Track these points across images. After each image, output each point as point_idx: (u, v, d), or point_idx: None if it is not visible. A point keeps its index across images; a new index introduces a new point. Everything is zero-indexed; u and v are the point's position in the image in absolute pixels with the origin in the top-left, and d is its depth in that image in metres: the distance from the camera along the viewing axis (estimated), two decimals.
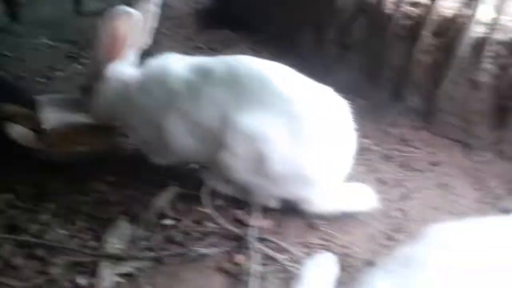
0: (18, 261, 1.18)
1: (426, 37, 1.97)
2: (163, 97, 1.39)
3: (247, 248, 1.28)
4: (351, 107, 2.11)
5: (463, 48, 1.88)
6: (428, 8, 1.92)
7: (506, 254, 0.82)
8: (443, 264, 0.79)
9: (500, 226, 0.91)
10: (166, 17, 2.76)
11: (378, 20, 2.09)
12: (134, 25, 1.43)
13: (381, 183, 1.73)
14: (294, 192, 1.36)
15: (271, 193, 1.39)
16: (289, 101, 1.28)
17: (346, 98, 2.18)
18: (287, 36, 2.28)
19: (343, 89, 2.20)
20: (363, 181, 1.56)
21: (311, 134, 1.28)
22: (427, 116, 2.11)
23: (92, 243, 1.27)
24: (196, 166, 1.58)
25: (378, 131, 2.08)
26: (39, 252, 1.21)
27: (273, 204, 1.43)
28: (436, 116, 2.09)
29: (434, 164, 1.92)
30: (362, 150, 1.93)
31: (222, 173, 1.39)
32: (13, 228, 1.28)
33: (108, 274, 1.19)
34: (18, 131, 1.52)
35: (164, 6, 1.67)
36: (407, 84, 2.12)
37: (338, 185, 1.43)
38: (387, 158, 1.93)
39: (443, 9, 1.95)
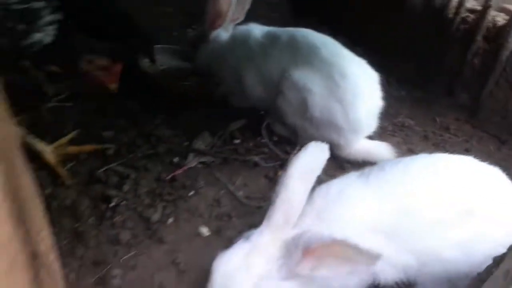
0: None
1: (479, 41, 2.28)
2: (244, 55, 1.95)
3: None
4: (408, 97, 2.50)
5: (508, 54, 2.16)
6: (482, 15, 2.22)
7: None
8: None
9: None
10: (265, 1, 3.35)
11: (441, 23, 2.43)
12: (233, 4, 1.99)
13: (410, 153, 2.10)
14: (328, 137, 1.80)
15: (312, 136, 1.86)
16: (331, 65, 1.74)
17: (404, 88, 2.57)
18: (360, 29, 2.68)
19: (402, 80, 2.59)
20: (395, 148, 1.93)
21: (344, 92, 1.73)
22: (472, 112, 2.40)
23: (186, 143, 1.91)
24: (262, 112, 2.12)
25: (425, 117, 2.40)
26: (153, 139, 1.89)
27: None
28: (480, 112, 2.37)
29: (466, 150, 2.22)
30: (403, 127, 2.34)
31: (278, 116, 1.92)
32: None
33: (193, 161, 1.81)
34: (147, 66, 2.20)
35: None
36: (458, 82, 2.44)
37: (363, 138, 1.87)
38: (425, 138, 2.27)
39: (496, 17, 2.23)
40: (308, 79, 1.76)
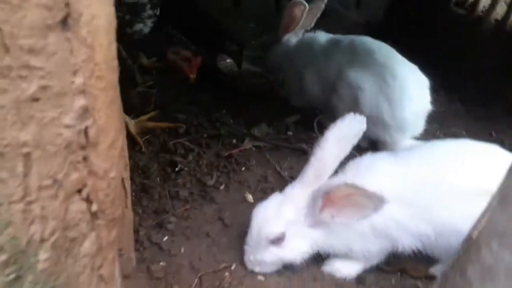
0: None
1: None
2: (307, 57, 2.18)
3: None
4: (467, 113, 2.53)
5: None
6: None
7: None
8: None
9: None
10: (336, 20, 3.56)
11: (495, 30, 2.46)
12: (304, 13, 2.25)
13: None
14: (375, 133, 1.95)
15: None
16: (383, 66, 1.89)
17: (465, 105, 2.61)
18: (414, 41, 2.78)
19: (465, 98, 2.62)
20: None
21: (393, 91, 1.87)
22: None
23: (247, 131, 2.16)
24: (318, 110, 2.31)
25: (481, 131, 2.42)
26: (217, 124, 2.17)
27: (363, 143, 2.06)
28: None
29: None
30: (454, 136, 2.36)
31: (331, 113, 2.10)
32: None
33: (248, 144, 2.06)
34: (223, 65, 2.54)
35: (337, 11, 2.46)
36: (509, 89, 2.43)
37: (409, 139, 1.97)
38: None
39: None
40: (361, 78, 1.93)
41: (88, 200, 0.62)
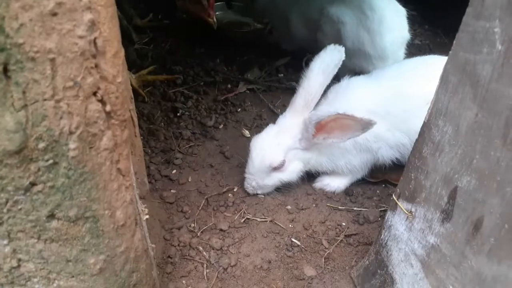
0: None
1: None
2: (290, 1, 2.28)
3: None
4: (445, 37, 2.61)
5: None
6: None
7: None
8: None
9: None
10: None
11: None
12: None
13: None
14: (359, 65, 2.08)
15: (345, 65, 2.10)
16: (361, 1, 2.00)
17: (437, 29, 2.69)
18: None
19: (436, 21, 2.70)
20: None
21: (371, 22, 1.98)
22: None
23: (240, 76, 2.30)
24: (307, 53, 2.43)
25: None
26: (212, 73, 2.31)
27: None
28: None
29: None
30: None
31: (319, 50, 2.21)
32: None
33: (242, 87, 2.20)
34: None
35: None
36: None
37: None
38: None
39: None
40: (341, 13, 2.04)
41: (103, 102, 0.78)
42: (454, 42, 0.86)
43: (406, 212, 1.03)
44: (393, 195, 1.08)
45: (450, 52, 0.87)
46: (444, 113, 0.91)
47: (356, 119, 1.31)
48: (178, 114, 2.03)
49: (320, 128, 1.41)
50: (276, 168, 1.50)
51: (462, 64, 0.83)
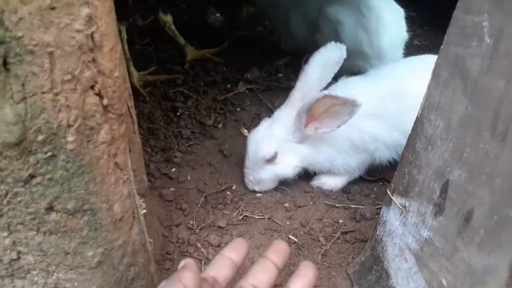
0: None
1: None
2: (291, 0, 2.30)
3: None
4: None
5: None
6: None
7: None
8: None
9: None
10: None
11: None
12: None
13: None
14: (357, 65, 2.09)
15: (344, 65, 2.13)
16: (359, 1, 2.02)
17: (437, 30, 2.70)
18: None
19: (436, 22, 2.71)
20: None
21: (368, 21, 1.99)
22: None
23: (240, 76, 2.32)
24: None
25: None
26: (212, 72, 2.33)
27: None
28: None
29: None
30: None
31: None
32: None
33: (242, 87, 2.22)
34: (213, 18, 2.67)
35: None
36: None
37: None
38: None
39: None
40: (339, 13, 2.06)
41: (100, 95, 0.80)
42: (445, 37, 0.87)
43: (400, 207, 1.04)
44: (388, 190, 1.10)
45: (441, 47, 0.89)
46: (436, 107, 0.92)
47: (340, 99, 1.32)
48: (178, 113, 2.05)
49: (311, 118, 1.43)
50: (269, 161, 1.51)
51: (453, 59, 0.85)
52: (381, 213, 1.15)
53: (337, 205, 1.57)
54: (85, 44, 0.74)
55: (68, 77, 0.74)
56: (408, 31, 2.06)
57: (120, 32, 2.12)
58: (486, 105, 0.76)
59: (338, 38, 2.06)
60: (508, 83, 0.72)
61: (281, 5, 2.37)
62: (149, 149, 1.85)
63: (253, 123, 2.01)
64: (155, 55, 2.51)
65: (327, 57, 1.53)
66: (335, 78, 1.59)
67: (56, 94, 0.74)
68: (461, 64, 0.82)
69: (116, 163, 0.91)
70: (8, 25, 0.65)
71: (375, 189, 1.66)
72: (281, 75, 2.35)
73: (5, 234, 0.85)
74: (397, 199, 1.06)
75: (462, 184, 0.83)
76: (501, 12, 0.74)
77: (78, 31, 0.72)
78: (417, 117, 1.00)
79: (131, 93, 1.16)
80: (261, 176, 1.56)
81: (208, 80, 2.29)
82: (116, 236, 0.95)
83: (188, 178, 1.69)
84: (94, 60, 0.76)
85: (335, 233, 1.44)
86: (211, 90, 2.23)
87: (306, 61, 2.31)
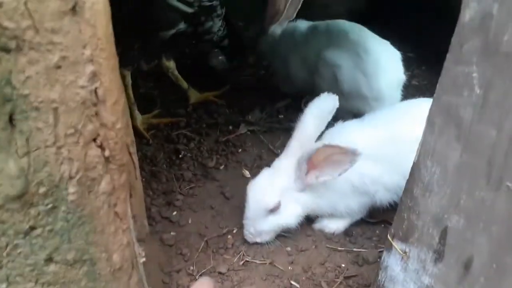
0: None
1: None
2: (290, 45, 2.37)
3: None
4: None
5: None
6: None
7: None
8: None
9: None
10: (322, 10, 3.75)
11: None
12: (287, 4, 2.43)
13: None
14: (356, 106, 2.13)
15: (343, 107, 2.14)
16: (356, 43, 2.08)
17: (435, 70, 2.77)
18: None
19: (434, 63, 2.77)
20: None
21: (366, 65, 2.05)
22: None
23: (242, 118, 2.36)
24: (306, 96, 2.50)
25: None
26: (215, 115, 2.38)
27: (347, 117, 2.23)
28: None
29: None
30: None
31: (317, 93, 2.28)
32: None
33: (243, 129, 2.26)
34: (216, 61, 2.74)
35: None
36: None
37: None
38: None
39: None
40: (337, 57, 2.12)
41: (102, 147, 0.82)
42: (437, 86, 0.90)
43: (401, 252, 1.04)
44: (388, 235, 1.09)
45: (434, 95, 0.91)
46: (432, 153, 0.93)
47: (341, 149, 1.34)
48: (180, 155, 2.07)
49: (311, 166, 1.44)
50: (273, 211, 1.50)
51: (446, 107, 0.87)
52: (383, 258, 1.14)
53: (339, 248, 1.55)
54: (89, 99, 0.77)
55: (71, 131, 0.76)
56: (405, 72, 2.11)
57: (124, 77, 2.19)
58: (480, 153, 0.77)
59: (337, 81, 2.12)
60: (500, 132, 0.74)
61: (281, 49, 2.44)
62: (151, 192, 1.86)
63: (255, 164, 2.03)
64: (159, 99, 2.56)
65: (322, 107, 1.58)
66: (333, 120, 1.62)
67: (59, 148, 0.76)
68: (454, 112, 0.85)
69: (116, 212, 0.92)
70: (15, 84, 0.68)
71: (377, 231, 1.65)
72: (282, 116, 2.39)
73: (4, 286, 0.85)
74: (397, 244, 1.06)
75: (461, 231, 0.83)
76: (489, 64, 0.77)
77: (82, 87, 0.75)
78: (414, 163, 1.02)
79: (134, 138, 1.19)
80: (263, 227, 1.54)
81: (210, 122, 2.33)
82: (115, 286, 0.95)
83: (189, 222, 1.69)
84: (97, 114, 0.79)
85: (338, 278, 1.42)
86: (213, 132, 2.26)
87: (306, 104, 2.37)
